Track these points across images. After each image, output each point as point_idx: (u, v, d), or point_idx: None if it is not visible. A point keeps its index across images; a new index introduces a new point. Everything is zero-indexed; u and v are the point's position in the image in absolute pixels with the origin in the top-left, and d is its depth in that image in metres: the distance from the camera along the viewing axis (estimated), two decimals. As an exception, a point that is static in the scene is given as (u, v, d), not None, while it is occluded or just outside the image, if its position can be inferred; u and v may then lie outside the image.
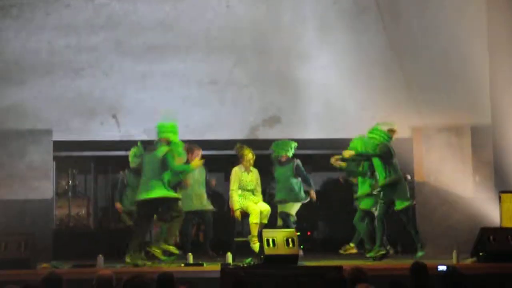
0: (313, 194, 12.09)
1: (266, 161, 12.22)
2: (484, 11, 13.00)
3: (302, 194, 11.98)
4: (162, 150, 10.70)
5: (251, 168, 11.62)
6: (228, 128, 12.95)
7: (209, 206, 11.87)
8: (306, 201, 12.02)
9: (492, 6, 12.98)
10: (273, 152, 12.00)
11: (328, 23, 13.07)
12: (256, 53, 13.08)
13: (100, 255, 10.46)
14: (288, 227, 11.53)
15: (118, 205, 11.91)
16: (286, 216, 11.87)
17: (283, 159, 11.96)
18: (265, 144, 12.41)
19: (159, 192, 10.62)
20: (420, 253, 11.09)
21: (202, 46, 13.07)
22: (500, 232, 10.92)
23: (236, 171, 11.55)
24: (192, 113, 12.87)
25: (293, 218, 11.96)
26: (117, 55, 13.02)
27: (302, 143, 12.80)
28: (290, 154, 11.95)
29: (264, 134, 12.98)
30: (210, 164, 12.35)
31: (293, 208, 11.95)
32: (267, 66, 13.08)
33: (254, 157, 11.62)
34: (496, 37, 12.93)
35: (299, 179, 11.98)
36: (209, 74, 13.06)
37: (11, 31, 12.88)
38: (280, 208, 11.95)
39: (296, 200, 11.93)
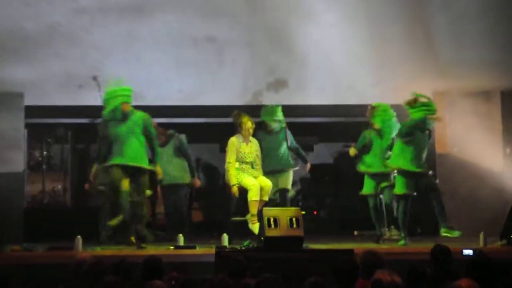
0: (308, 166, 12.24)
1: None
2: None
3: (292, 161, 12.15)
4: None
5: (250, 138, 11.61)
6: (226, 92, 12.94)
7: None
8: (295, 168, 12.16)
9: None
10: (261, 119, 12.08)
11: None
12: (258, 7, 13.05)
13: (79, 237, 10.49)
14: (285, 204, 11.62)
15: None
16: (285, 192, 11.95)
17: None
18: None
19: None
20: (455, 233, 11.09)
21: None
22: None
23: (234, 142, 11.53)
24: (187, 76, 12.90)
25: (292, 193, 12.09)
26: (99, 8, 12.94)
27: (308, 109, 12.85)
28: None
29: (269, 99, 12.98)
30: (204, 133, 12.36)
31: (289, 181, 12.02)
32: (271, 23, 13.03)
33: (254, 125, 11.60)
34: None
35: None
36: (206, 31, 13.00)
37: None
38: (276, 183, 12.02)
39: (288, 166, 12.01)
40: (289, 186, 12.12)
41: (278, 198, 11.99)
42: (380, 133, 11.61)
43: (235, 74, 13.06)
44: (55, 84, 12.73)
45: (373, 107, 11.69)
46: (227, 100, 12.74)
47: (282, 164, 12.07)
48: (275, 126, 12.04)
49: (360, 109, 12.15)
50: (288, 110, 12.76)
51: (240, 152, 11.46)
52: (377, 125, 11.59)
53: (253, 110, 12.22)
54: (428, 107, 11.30)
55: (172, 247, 10.71)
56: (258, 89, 13.07)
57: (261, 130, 12.05)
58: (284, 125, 12.11)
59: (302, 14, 13.04)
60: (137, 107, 11.89)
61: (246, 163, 11.50)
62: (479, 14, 12.91)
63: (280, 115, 12.04)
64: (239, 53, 13.09)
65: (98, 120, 11.47)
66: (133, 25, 12.94)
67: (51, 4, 12.84)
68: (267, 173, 11.84)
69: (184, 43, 13.00)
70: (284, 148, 12.10)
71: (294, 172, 12.40)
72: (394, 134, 11.52)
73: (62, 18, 12.86)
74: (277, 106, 12.10)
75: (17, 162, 12.54)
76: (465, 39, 12.92)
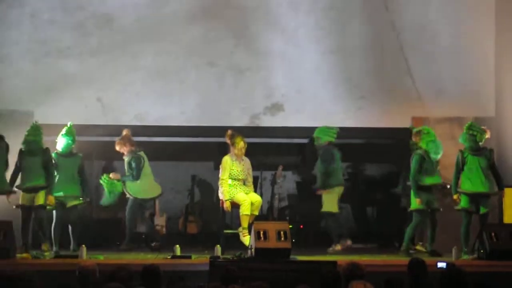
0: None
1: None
2: (492, 3, 13.06)
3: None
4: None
5: (243, 157, 11.63)
6: (225, 114, 12.96)
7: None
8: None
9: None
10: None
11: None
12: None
13: (83, 246, 10.50)
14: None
15: None
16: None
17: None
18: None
19: None
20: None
21: (200, 24, 12.98)
22: (501, 228, 11.01)
23: (227, 160, 11.55)
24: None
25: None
26: (105, 34, 12.92)
27: (297, 131, 12.92)
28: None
29: (265, 122, 13.07)
30: (200, 151, 12.37)
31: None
32: (269, 50, 13.09)
33: (246, 145, 11.62)
34: (502, 28, 13.01)
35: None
36: (207, 57, 13.01)
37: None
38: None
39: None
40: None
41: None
42: (427, 153, 11.65)
43: (234, 98, 13.04)
44: (62, 105, 12.68)
45: (419, 131, 11.76)
46: (226, 122, 12.66)
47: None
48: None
49: (343, 132, 12.31)
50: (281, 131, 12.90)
51: (233, 169, 11.49)
52: (424, 147, 11.63)
53: (248, 132, 12.32)
54: (427, 134, 11.52)
55: (169, 257, 10.73)
56: (256, 112, 13.08)
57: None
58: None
59: (299, 43, 13.06)
60: (141, 127, 11.96)
61: (238, 180, 11.52)
62: (450, 52, 13.01)
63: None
64: (238, 78, 13.07)
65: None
66: (139, 51, 12.89)
67: (61, 31, 12.82)
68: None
69: (187, 68, 12.96)
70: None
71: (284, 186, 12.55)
72: (439, 152, 11.63)
73: (71, 43, 12.84)
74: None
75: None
76: (440, 73, 13.01)
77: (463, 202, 11.35)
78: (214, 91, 13.03)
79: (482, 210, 11.31)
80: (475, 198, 11.31)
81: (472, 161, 11.27)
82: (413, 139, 11.88)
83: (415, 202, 11.60)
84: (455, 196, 11.39)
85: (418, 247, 12.19)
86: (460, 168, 11.33)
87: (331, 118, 12.87)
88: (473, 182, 11.25)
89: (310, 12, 13.08)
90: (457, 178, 11.36)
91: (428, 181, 11.68)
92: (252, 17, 13.03)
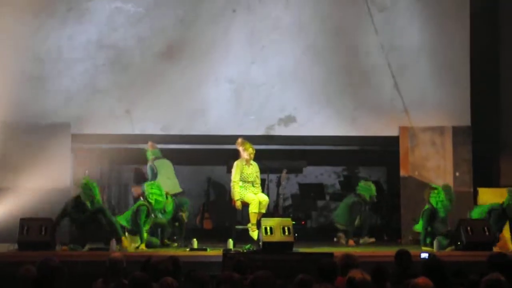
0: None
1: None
2: (466, 14, 13.05)
3: None
4: None
5: (252, 161, 11.65)
6: (243, 125, 12.89)
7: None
8: None
9: (475, 9, 13.05)
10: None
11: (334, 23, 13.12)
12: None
13: (113, 240, 10.54)
14: None
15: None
16: None
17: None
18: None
19: None
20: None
21: (221, 44, 12.90)
22: (476, 223, 11.03)
23: (238, 164, 11.56)
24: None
25: None
26: (136, 52, 12.84)
27: (296, 139, 12.95)
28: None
29: (279, 132, 13.05)
30: (214, 157, 12.40)
31: None
32: (283, 66, 13.00)
33: (254, 151, 11.64)
34: (476, 50, 13.01)
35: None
36: (225, 73, 12.90)
37: (32, 26, 12.64)
38: None
39: None
40: None
41: None
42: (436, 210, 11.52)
43: (250, 111, 13.03)
44: (96, 117, 12.68)
45: (433, 188, 11.66)
46: (244, 132, 12.54)
47: None
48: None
49: (341, 140, 12.38)
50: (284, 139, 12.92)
51: (243, 173, 11.49)
52: (434, 205, 11.47)
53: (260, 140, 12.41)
54: (436, 194, 11.47)
55: (188, 249, 10.75)
56: (270, 123, 13.07)
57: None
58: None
59: (309, 59, 12.99)
60: (167, 136, 11.91)
61: (248, 182, 11.52)
62: (431, 69, 13.01)
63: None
64: (254, 92, 13.02)
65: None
66: (166, 67, 12.78)
67: (96, 50, 12.84)
68: None
69: (208, 83, 12.88)
70: None
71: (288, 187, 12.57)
72: (446, 212, 11.48)
73: (104, 61, 12.82)
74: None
75: (65, 179, 12.52)
76: (423, 88, 13.02)
77: None
78: (232, 104, 12.97)
79: None
80: None
81: None
82: (426, 194, 11.72)
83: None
84: None
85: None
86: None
87: (330, 128, 12.91)
88: None
89: (317, 34, 13.06)
90: None
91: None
92: (267, 39, 12.99)
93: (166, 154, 12.24)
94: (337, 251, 9.63)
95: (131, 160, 13.47)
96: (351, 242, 12.20)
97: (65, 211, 11.02)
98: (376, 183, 13.11)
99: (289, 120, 12.97)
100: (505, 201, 11.34)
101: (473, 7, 13.05)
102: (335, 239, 12.42)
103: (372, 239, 12.36)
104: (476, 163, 12.80)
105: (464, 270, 7.09)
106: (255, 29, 12.94)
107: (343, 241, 12.26)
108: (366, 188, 12.32)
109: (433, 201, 11.42)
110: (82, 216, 10.94)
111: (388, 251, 9.94)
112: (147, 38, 12.84)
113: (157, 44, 12.84)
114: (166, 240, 11.50)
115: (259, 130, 12.93)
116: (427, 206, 11.45)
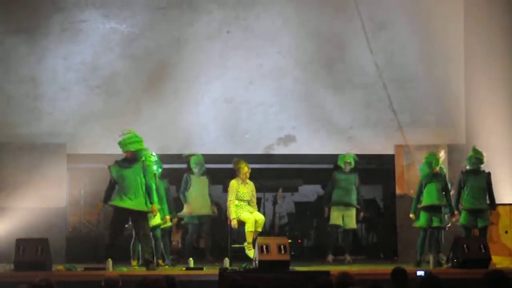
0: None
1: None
2: (461, 34, 13.12)
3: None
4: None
5: (247, 180, 11.65)
6: (242, 145, 12.92)
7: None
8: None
9: (469, 30, 13.10)
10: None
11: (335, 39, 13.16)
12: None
13: (109, 259, 10.51)
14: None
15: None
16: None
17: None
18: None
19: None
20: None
21: (217, 64, 12.93)
22: (472, 241, 11.02)
23: (234, 184, 11.58)
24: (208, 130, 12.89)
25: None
26: (131, 72, 12.84)
27: (293, 158, 12.94)
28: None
29: (278, 151, 13.06)
30: (211, 176, 12.40)
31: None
32: (281, 86, 13.05)
33: (250, 170, 11.65)
34: (472, 61, 13.05)
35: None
36: (224, 93, 12.94)
37: (27, 46, 12.67)
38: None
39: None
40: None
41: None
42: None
43: (249, 130, 13.02)
44: (91, 137, 12.67)
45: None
46: (243, 151, 12.62)
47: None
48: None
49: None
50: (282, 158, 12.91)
51: (239, 192, 11.50)
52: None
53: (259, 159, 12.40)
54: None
55: (184, 268, 10.72)
56: (269, 143, 13.08)
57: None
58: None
59: (307, 81, 13.05)
60: (164, 156, 11.88)
61: (244, 200, 11.53)
62: (426, 89, 13.06)
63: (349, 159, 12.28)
64: (253, 112, 13.04)
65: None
66: (162, 87, 12.77)
67: (91, 72, 12.84)
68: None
69: (205, 102, 12.89)
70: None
71: (284, 206, 12.53)
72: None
73: (99, 82, 12.81)
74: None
75: (61, 199, 12.51)
76: (418, 106, 13.08)
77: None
78: (231, 123, 12.99)
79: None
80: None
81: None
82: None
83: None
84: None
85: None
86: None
87: (328, 147, 12.93)
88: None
89: (314, 52, 13.10)
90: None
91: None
92: (265, 58, 13.02)
93: (164, 173, 12.20)
94: (334, 269, 9.61)
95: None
96: (330, 257, 12.18)
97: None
98: (372, 201, 13.09)
99: (288, 139, 12.98)
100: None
101: (468, 26, 13.11)
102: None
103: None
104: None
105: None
106: (251, 47, 12.98)
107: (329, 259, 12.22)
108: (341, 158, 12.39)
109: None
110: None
111: (385, 269, 9.92)
112: (142, 58, 12.85)
113: (152, 64, 12.86)
114: (159, 260, 11.43)
115: (258, 150, 12.95)
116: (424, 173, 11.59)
